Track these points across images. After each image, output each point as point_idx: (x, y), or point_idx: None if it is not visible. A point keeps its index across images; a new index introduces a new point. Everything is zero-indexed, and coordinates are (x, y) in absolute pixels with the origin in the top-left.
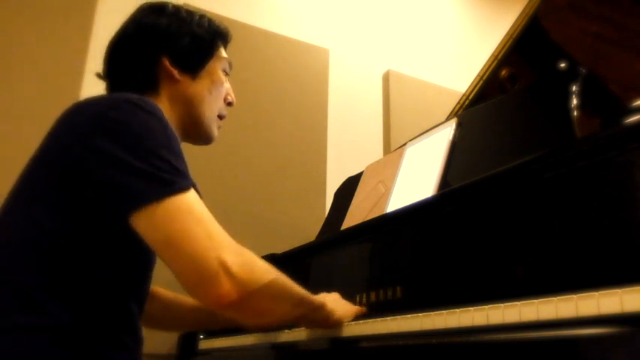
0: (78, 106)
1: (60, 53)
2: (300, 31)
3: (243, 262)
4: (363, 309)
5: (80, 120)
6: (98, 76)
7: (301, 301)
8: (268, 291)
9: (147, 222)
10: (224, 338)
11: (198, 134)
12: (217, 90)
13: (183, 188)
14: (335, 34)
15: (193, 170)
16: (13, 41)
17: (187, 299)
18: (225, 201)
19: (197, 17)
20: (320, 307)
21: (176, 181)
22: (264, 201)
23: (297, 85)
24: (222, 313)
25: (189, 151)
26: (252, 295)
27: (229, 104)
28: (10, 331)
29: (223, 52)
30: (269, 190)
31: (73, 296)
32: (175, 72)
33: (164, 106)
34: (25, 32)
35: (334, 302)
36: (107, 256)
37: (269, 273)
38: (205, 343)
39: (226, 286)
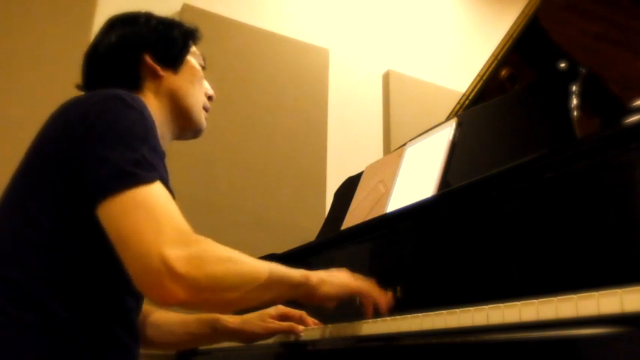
0: (69, 102)
1: (60, 53)
2: (300, 31)
3: (192, 257)
4: (364, 285)
5: (71, 116)
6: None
7: (274, 283)
8: (224, 282)
9: (106, 215)
10: None
11: (189, 125)
12: (199, 83)
13: (146, 180)
14: (335, 34)
15: (193, 171)
16: (13, 41)
17: (174, 314)
18: (225, 201)
19: (168, 21)
20: (302, 284)
21: (139, 173)
22: (264, 201)
23: (297, 85)
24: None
25: (190, 152)
26: (203, 290)
27: (209, 98)
28: (7, 328)
29: (196, 50)
30: (269, 190)
31: (71, 292)
32: (158, 68)
33: (150, 102)
34: (25, 32)
35: (328, 276)
36: (103, 251)
37: (227, 263)
38: None
39: (170, 287)
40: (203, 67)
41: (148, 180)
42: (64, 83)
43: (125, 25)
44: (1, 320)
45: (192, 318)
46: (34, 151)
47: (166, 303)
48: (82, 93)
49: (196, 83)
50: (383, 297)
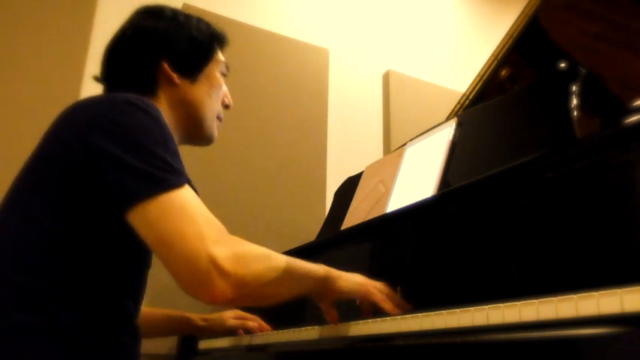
0: (78, 104)
1: (60, 54)
2: (300, 31)
3: (237, 256)
4: (376, 291)
5: (80, 119)
6: (96, 79)
7: (304, 277)
8: (266, 279)
9: (141, 220)
10: (224, 338)
11: (200, 136)
12: (216, 93)
13: (177, 185)
14: (335, 34)
15: (194, 170)
16: (14, 42)
17: (158, 310)
18: (225, 201)
19: (195, 21)
20: (325, 277)
21: (169, 178)
22: (264, 201)
23: (297, 85)
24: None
25: (190, 152)
26: (249, 287)
27: (226, 107)
28: (9, 331)
29: (221, 56)
30: (269, 190)
31: (72, 295)
32: (175, 76)
33: (163, 108)
34: (26, 33)
35: (345, 273)
36: (104, 254)
37: (265, 260)
38: (205, 343)
39: (220, 285)
40: (224, 75)
41: (178, 184)
42: (64, 83)
43: (150, 20)
44: (1, 323)
45: (165, 316)
46: (40, 152)
47: (215, 301)
48: (92, 83)
49: (213, 94)
50: (392, 301)
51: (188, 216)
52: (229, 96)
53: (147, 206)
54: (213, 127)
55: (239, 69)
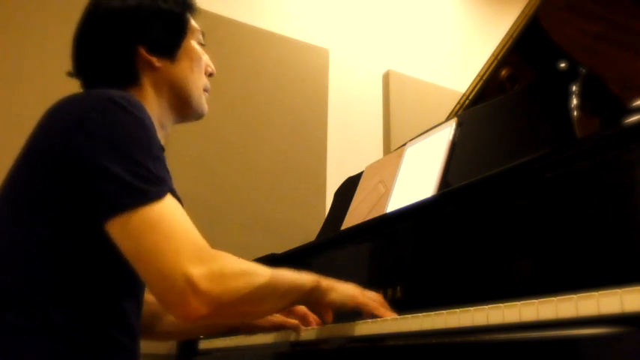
0: (64, 102)
1: (60, 54)
2: (300, 31)
3: (213, 274)
4: (370, 302)
5: (63, 119)
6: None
7: (289, 291)
8: (245, 296)
9: (119, 232)
10: (224, 338)
11: (190, 112)
12: (198, 66)
13: (158, 196)
14: (335, 34)
15: (194, 170)
16: (13, 41)
17: None
18: (225, 201)
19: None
20: (313, 290)
21: (150, 189)
22: (264, 201)
23: (297, 85)
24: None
25: (190, 152)
26: (225, 305)
27: (210, 75)
28: (9, 331)
29: (194, 24)
30: (269, 190)
31: (66, 295)
32: (154, 59)
33: (149, 95)
34: (25, 32)
35: (337, 284)
36: (97, 255)
37: (245, 277)
38: (205, 343)
39: (194, 304)
40: (202, 44)
41: (159, 195)
42: (64, 83)
43: (117, 12)
44: (1, 322)
45: None
46: (26, 151)
47: (189, 319)
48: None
49: (195, 68)
50: (387, 314)
51: (166, 231)
52: (211, 64)
53: (126, 219)
54: (202, 102)
55: (239, 69)
